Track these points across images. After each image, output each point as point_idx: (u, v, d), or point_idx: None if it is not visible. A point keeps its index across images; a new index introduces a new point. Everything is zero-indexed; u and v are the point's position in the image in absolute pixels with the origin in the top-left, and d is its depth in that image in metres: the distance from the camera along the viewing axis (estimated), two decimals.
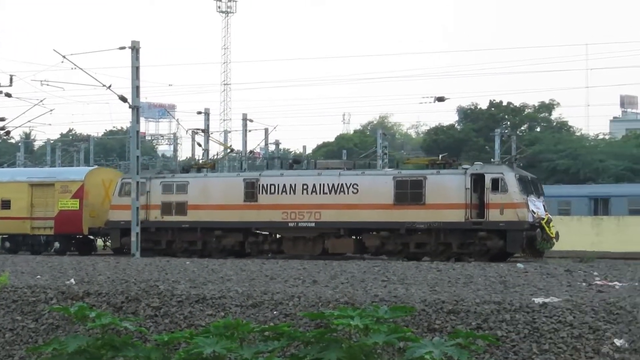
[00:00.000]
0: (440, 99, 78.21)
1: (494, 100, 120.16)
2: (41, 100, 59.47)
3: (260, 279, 24.01)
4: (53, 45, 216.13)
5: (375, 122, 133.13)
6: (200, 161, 65.70)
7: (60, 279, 24.11)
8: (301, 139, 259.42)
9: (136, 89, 48.79)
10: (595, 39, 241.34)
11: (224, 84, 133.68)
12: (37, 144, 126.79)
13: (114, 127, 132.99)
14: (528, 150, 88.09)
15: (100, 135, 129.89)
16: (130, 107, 49.33)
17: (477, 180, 43.13)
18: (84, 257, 42.84)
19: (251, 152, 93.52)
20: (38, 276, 25.33)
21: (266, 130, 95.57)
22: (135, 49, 48.48)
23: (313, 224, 45.68)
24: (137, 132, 51.23)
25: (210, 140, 76.30)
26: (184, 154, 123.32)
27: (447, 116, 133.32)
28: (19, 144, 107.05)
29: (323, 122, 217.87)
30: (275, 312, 18.79)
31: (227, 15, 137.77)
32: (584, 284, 22.31)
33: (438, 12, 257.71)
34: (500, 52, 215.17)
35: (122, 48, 49.28)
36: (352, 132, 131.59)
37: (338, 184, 45.51)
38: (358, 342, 11.61)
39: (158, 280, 23.07)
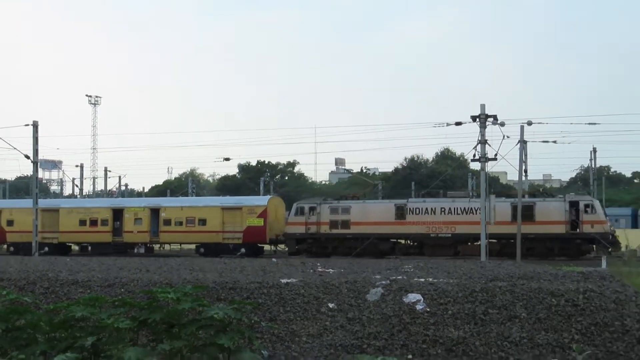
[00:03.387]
0: (227, 159, 78.87)
1: (261, 159, 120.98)
2: None
3: (114, 269, 23.36)
4: None
5: (187, 172, 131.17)
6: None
7: None
8: (142, 182, 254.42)
9: (36, 151, 47.27)
10: (320, 124, 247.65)
11: (93, 148, 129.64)
12: None
13: (22, 174, 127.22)
14: (280, 189, 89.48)
15: (13, 179, 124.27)
16: (32, 162, 47.71)
17: (573, 205, 41.88)
18: (2, 256, 40.28)
19: (110, 190, 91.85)
20: None
21: (120, 177, 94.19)
22: (35, 125, 46.90)
23: (450, 235, 43.18)
24: (37, 178, 49.53)
25: (84, 180, 74.56)
26: (67, 191, 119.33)
27: (232, 170, 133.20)
28: None
29: (156, 171, 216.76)
30: (122, 290, 18.37)
31: (95, 106, 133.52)
32: (311, 270, 22.62)
33: (227, 104, 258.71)
34: (268, 130, 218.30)
35: (27, 125, 47.55)
36: (173, 178, 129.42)
37: (468, 207, 43.39)
38: (173, 308, 11.54)
39: (48, 270, 22.20)
